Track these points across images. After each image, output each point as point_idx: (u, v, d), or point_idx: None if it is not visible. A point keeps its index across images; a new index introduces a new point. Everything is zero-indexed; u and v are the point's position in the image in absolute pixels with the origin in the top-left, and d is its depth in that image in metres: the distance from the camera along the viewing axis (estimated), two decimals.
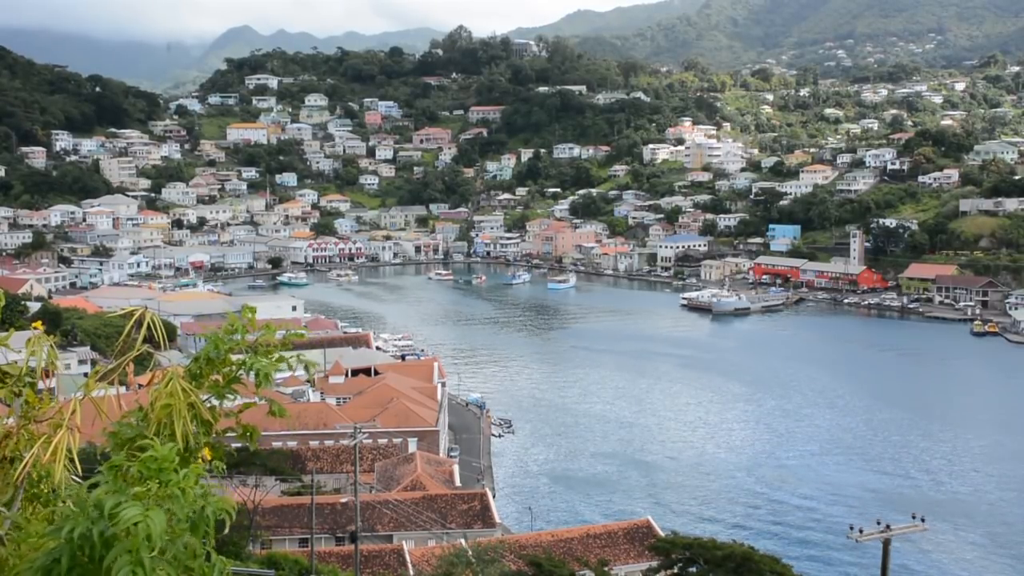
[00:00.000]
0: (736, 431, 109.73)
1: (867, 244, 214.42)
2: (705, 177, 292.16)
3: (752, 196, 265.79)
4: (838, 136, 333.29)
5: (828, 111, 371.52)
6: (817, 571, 68.52)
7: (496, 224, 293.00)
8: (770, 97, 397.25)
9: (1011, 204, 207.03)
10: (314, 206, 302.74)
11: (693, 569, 46.88)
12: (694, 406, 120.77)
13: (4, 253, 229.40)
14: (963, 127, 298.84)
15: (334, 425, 76.97)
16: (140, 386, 5.50)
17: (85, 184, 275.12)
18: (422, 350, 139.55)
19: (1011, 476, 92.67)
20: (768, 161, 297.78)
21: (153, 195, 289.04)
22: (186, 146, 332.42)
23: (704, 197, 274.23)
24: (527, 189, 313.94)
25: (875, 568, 42.75)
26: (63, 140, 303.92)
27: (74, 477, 4.83)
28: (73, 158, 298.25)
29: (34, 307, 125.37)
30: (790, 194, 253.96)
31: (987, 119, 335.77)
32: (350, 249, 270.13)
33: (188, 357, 5.15)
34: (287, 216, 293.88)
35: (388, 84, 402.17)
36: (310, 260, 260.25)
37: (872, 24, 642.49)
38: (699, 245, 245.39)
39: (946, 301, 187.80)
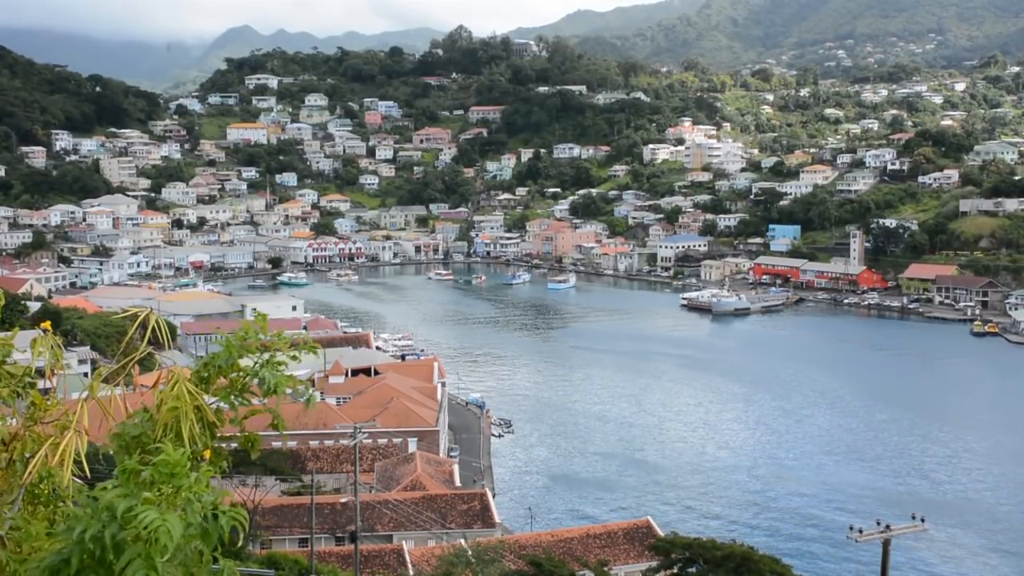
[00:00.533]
0: (736, 431, 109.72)
1: (867, 244, 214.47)
2: (705, 177, 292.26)
3: (752, 196, 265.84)
4: (838, 136, 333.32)
5: (828, 111, 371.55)
6: (817, 571, 68.53)
7: (496, 224, 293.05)
8: (770, 97, 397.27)
9: (1011, 204, 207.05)
10: (314, 206, 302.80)
11: (693, 569, 46.90)
12: (694, 406, 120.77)
13: (4, 253, 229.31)
14: (963, 127, 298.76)
15: (334, 425, 76.97)
16: (142, 387, 5.51)
17: (85, 184, 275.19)
18: (422, 350, 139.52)
19: (1011, 476, 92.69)
20: (768, 161, 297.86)
21: (153, 195, 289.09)
22: (186, 146, 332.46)
23: (704, 197, 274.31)
24: (527, 189, 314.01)
25: (875, 568, 42.77)
26: (63, 140, 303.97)
27: (76, 478, 4.84)
28: (73, 158, 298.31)
29: (34, 307, 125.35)
30: (790, 194, 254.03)
31: (987, 119, 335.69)
32: (350, 249, 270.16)
33: (189, 357, 5.17)
34: (287, 216, 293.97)
35: (388, 84, 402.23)
36: (310, 260, 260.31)
37: (872, 24, 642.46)
38: (699, 245, 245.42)
39: (946, 301, 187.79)
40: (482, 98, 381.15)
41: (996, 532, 78.93)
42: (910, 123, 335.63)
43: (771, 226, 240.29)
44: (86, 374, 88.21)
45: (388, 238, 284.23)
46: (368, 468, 69.89)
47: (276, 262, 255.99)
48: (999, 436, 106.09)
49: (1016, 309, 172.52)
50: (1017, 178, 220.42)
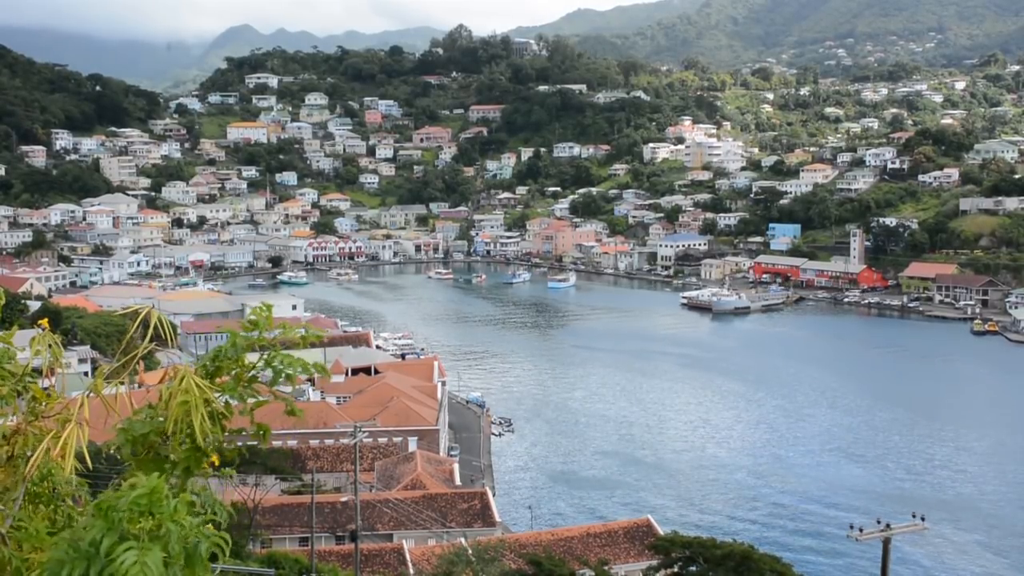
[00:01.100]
0: (736, 430, 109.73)
1: (867, 243, 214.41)
2: (705, 176, 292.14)
3: (752, 195, 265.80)
4: (838, 135, 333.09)
5: (828, 110, 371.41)
6: (817, 570, 68.54)
7: (496, 223, 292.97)
8: (770, 96, 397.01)
9: (1011, 203, 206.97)
10: (314, 205, 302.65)
11: (693, 568, 46.88)
12: (694, 405, 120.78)
13: (4, 252, 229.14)
14: (963, 126, 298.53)
15: (334, 424, 76.98)
16: (145, 385, 5.51)
17: (85, 183, 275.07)
18: (422, 349, 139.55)
19: (1012, 475, 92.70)
20: (768, 160, 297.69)
21: (153, 194, 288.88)
22: (186, 145, 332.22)
23: (704, 196, 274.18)
24: (527, 188, 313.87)
25: (875, 567, 42.76)
26: (63, 139, 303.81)
27: (77, 474, 4.82)
28: (73, 157, 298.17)
29: (34, 306, 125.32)
30: (790, 193, 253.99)
31: (987, 118, 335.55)
32: (350, 248, 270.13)
33: (190, 356, 5.16)
34: (287, 215, 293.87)
35: (388, 83, 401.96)
36: (310, 259, 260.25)
37: (872, 23, 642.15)
38: (699, 244, 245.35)
39: (946, 300, 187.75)
40: (482, 97, 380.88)
41: (997, 531, 78.92)
42: (910, 122, 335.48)
43: (771, 225, 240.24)
44: (86, 373, 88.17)
45: (388, 237, 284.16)
46: (368, 467, 69.89)
47: (276, 261, 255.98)
48: (999, 435, 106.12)
49: (1016, 308, 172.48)
50: (1017, 177, 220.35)
